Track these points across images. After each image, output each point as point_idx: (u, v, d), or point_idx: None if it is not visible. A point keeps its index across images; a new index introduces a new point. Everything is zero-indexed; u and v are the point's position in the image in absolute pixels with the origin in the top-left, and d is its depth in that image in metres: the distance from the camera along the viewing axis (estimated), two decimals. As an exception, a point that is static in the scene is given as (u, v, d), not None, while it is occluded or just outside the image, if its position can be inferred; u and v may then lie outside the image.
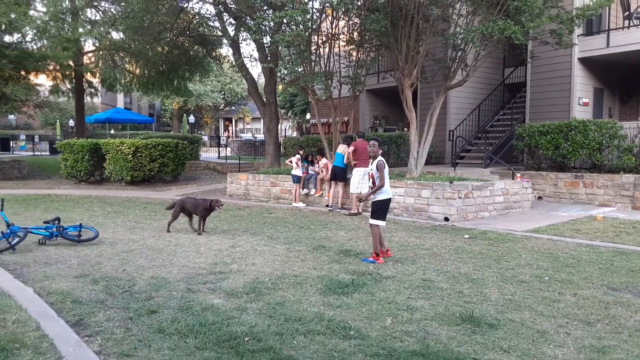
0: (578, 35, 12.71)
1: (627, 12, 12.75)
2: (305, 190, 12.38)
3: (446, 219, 9.59)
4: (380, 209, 6.38)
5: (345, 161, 11.30)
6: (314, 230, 8.87)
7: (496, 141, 14.99)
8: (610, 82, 14.26)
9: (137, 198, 14.05)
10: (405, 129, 15.85)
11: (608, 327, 4.09)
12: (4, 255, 6.62)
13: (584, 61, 13.19)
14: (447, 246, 7.34)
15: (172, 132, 39.92)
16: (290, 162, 12.39)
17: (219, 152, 28.01)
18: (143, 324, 4.12)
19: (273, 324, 4.10)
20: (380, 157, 6.41)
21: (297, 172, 12.19)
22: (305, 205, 12.08)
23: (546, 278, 5.56)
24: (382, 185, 6.30)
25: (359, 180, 10.63)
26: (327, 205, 11.52)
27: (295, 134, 40.13)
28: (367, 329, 4.02)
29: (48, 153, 30.63)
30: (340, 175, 11.40)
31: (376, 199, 6.38)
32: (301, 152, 12.61)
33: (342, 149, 11.41)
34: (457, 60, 11.91)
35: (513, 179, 11.49)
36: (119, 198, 13.97)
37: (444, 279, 5.55)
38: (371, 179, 6.46)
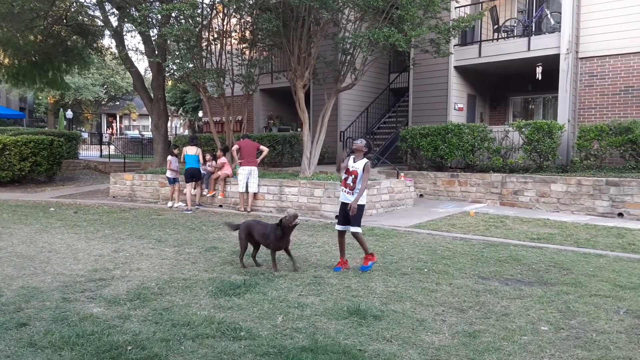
0: (454, 45, 13.80)
1: (497, 26, 14.11)
2: (194, 191, 12.06)
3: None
4: (361, 214, 5.98)
5: (201, 162, 11.77)
6: (206, 231, 8.66)
7: (383, 142, 15.78)
8: (482, 89, 15.69)
9: (4, 201, 12.67)
10: (299, 129, 16.08)
11: (478, 313, 4.49)
12: None
13: (459, 69, 14.36)
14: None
15: (47, 128, 36.52)
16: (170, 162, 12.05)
17: (101, 150, 26.20)
18: (11, 338, 3.73)
19: (159, 331, 3.93)
20: (366, 159, 5.95)
21: (170, 173, 11.93)
22: (183, 204, 11.77)
23: (425, 270, 5.97)
24: (364, 188, 5.92)
25: (244, 179, 11.05)
26: (187, 209, 11.40)
27: (186, 132, 38.81)
28: (258, 328, 4.01)
29: None
30: (198, 176, 11.75)
31: (359, 204, 5.90)
32: (175, 151, 12.33)
33: (193, 150, 11.70)
34: (346, 64, 12.33)
35: (398, 178, 12.17)
36: (-19, 201, 12.49)
37: (334, 274, 5.73)
38: (351, 176, 5.95)
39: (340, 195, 6.20)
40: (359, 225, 6.01)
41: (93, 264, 6.16)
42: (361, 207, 5.96)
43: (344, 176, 6.07)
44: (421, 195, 12.92)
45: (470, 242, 7.71)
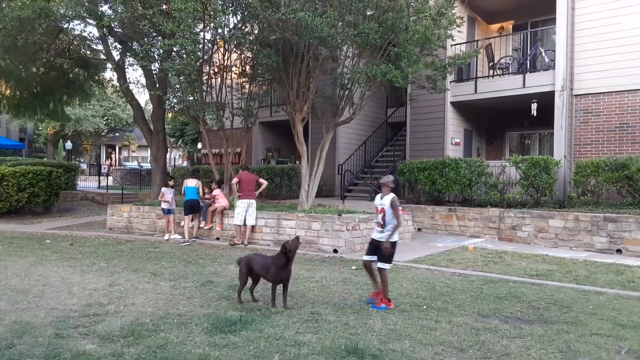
0: (450, 82, 14.04)
1: (492, 63, 14.40)
2: (192, 224, 11.99)
3: (335, 251, 9.84)
4: (392, 252, 5.91)
5: (200, 194, 11.83)
6: (203, 265, 8.58)
7: (380, 176, 15.83)
8: (479, 124, 15.87)
9: (0, 232, 12.58)
10: (297, 162, 16.17)
11: (478, 352, 4.42)
12: None
13: (455, 105, 14.56)
14: (335, 278, 7.50)
15: (45, 159, 36.61)
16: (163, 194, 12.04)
17: (99, 181, 26.18)
18: (-1, 378, 3.65)
19: (152, 369, 3.85)
20: (393, 194, 5.95)
21: (165, 204, 11.90)
22: (179, 236, 11.70)
23: (424, 307, 5.90)
24: (399, 224, 5.93)
25: (242, 212, 11.00)
26: (184, 241, 11.36)
27: (185, 164, 38.93)
28: (253, 368, 3.93)
29: None
30: (197, 207, 11.77)
31: (391, 240, 5.87)
32: (170, 182, 12.38)
33: (194, 182, 11.79)
34: (344, 99, 12.51)
35: (396, 212, 12.14)
36: (-23, 232, 12.40)
37: (332, 311, 5.65)
38: (380, 214, 5.95)
39: (373, 232, 6.18)
40: (388, 262, 5.92)
41: (87, 298, 6.07)
42: (393, 244, 5.89)
43: (375, 215, 6.08)
44: (419, 229, 12.89)
45: (469, 278, 7.64)
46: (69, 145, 39.35)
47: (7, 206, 15.00)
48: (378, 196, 6.10)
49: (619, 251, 10.03)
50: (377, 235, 6.01)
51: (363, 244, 10.34)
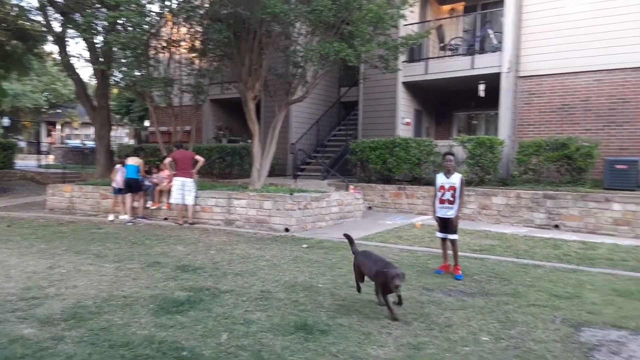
0: (402, 62, 14.17)
1: (443, 44, 14.62)
2: (136, 203, 11.65)
3: (287, 230, 9.84)
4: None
5: (141, 173, 11.50)
6: (149, 245, 8.37)
7: (333, 155, 15.91)
8: (428, 105, 16.17)
9: None
10: (249, 141, 15.96)
11: (423, 324, 4.56)
12: None
13: (407, 85, 14.74)
14: (286, 256, 7.51)
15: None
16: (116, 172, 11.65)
17: (39, 160, 24.96)
18: None
19: (95, 352, 3.74)
20: (459, 173, 6.50)
21: (115, 183, 11.55)
22: (130, 217, 11.36)
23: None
24: (463, 202, 6.57)
25: (178, 191, 10.80)
26: (127, 221, 11.11)
27: (132, 142, 37.64)
28: (201, 347, 3.89)
29: None
30: (136, 186, 11.45)
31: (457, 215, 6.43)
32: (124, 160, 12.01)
33: (134, 161, 11.46)
34: (297, 77, 12.38)
35: (347, 191, 12.28)
36: None
37: (282, 289, 5.66)
38: (450, 192, 6.41)
39: (438, 210, 6.56)
40: (457, 233, 6.53)
41: (26, 281, 5.81)
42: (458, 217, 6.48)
43: (439, 194, 6.48)
44: (370, 207, 13.08)
45: (416, 254, 7.85)
46: (6, 122, 37.09)
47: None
48: (441, 175, 6.52)
49: (556, 226, 10.57)
50: (446, 212, 6.47)
51: (314, 222, 10.41)
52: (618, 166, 10.74)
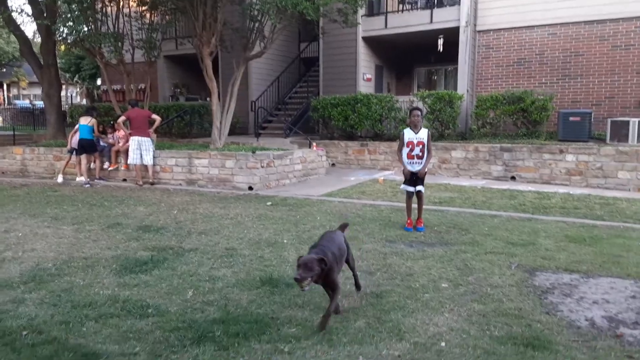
0: (362, 16, 13.95)
1: (401, -3, 14.43)
2: (92, 164, 11.29)
3: (250, 188, 9.79)
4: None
5: (95, 133, 11.10)
6: (109, 207, 8.17)
7: (295, 112, 15.76)
8: (389, 60, 16.10)
9: None
10: (208, 99, 15.57)
11: (386, 274, 4.69)
12: None
13: (367, 40, 14.58)
14: (250, 214, 7.50)
15: None
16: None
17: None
18: None
19: (58, 313, 3.67)
20: (426, 129, 6.53)
21: (70, 144, 11.13)
22: (86, 178, 10.98)
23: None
24: (431, 155, 6.63)
25: (135, 150, 10.53)
26: (84, 182, 10.80)
27: (84, 102, 36.07)
28: (167, 304, 3.89)
29: None
30: (90, 147, 11.03)
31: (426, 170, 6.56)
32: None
33: (86, 120, 11.00)
34: (255, 31, 12.03)
35: (310, 148, 12.26)
36: None
37: (247, 246, 5.68)
38: (418, 147, 6.43)
39: (407, 166, 6.56)
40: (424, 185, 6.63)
41: (-22, 247, 5.59)
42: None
43: (406, 150, 6.48)
44: (333, 164, 13.14)
45: (379, 208, 7.99)
46: (-56, 82, 34.80)
47: None
48: (409, 130, 6.49)
49: (513, 178, 10.94)
50: (416, 167, 6.52)
51: (278, 180, 10.39)
52: (572, 118, 11.10)
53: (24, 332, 3.34)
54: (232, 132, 13.37)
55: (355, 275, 4.28)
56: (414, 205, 6.70)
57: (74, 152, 11.11)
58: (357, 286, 4.25)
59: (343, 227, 4.47)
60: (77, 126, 11.17)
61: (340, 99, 13.10)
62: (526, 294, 4.20)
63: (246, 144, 12.26)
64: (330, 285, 3.65)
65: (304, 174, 11.23)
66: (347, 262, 4.12)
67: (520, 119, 11.79)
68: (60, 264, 4.94)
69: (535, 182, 10.66)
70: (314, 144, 12.69)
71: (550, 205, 8.09)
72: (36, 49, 16.00)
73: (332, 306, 3.58)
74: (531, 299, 4.07)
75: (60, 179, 11.12)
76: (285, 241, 5.89)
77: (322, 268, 3.44)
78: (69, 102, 33.57)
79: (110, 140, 11.42)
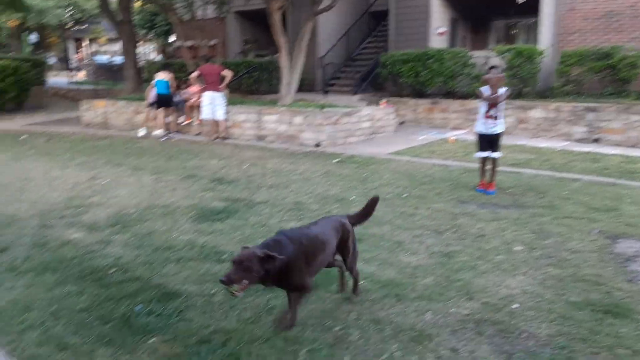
0: (438, -35, 13.20)
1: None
2: (169, 118, 11.73)
3: (317, 145, 9.84)
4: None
5: (172, 88, 11.36)
6: (184, 159, 8.53)
7: (363, 69, 15.44)
8: (464, 13, 15.24)
9: (-29, 129, 12.22)
10: (276, 55, 15.59)
11: (455, 235, 4.61)
12: None
13: (442, -8, 13.84)
14: (318, 171, 7.56)
15: (13, 54, 34.55)
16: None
17: (70, 77, 25.16)
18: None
19: (141, 255, 3.94)
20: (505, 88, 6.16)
21: (150, 96, 11.51)
22: (163, 132, 11.40)
23: (404, 195, 6.04)
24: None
25: (208, 106, 10.71)
26: (162, 136, 11.17)
27: (158, 58, 37.27)
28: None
29: None
30: (167, 102, 11.34)
31: (501, 131, 6.23)
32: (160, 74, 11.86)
33: (164, 75, 11.28)
34: (325, -16, 11.75)
35: (378, 106, 12.04)
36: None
37: (315, 200, 5.75)
38: (495, 107, 6.07)
39: (482, 127, 6.26)
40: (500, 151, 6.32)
41: (69, 191, 6.06)
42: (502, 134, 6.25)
43: (484, 109, 6.15)
44: (402, 122, 12.86)
45: (449, 169, 7.79)
46: (33, 38, 37.08)
47: (-24, 103, 14.42)
48: (486, 89, 6.11)
49: (596, 140, 10.23)
50: (491, 128, 6.17)
51: (345, 137, 10.34)
52: (667, 77, 10.10)
53: (112, 271, 3.62)
54: (299, 89, 13.35)
55: (354, 278, 3.31)
56: (489, 167, 6.45)
57: (155, 106, 11.54)
58: (355, 290, 3.34)
59: (371, 205, 3.51)
60: (153, 81, 11.58)
61: (410, 55, 12.66)
62: (607, 260, 3.98)
63: (314, 101, 12.24)
64: (290, 288, 2.85)
65: (372, 132, 11.09)
66: (344, 258, 3.19)
67: (607, 77, 10.88)
68: (141, 210, 5.25)
69: (621, 145, 9.90)
70: (383, 101, 12.44)
71: (637, 170, 7.52)
72: (113, 7, 16.57)
73: (294, 305, 2.85)
74: (612, 267, 3.86)
75: (143, 132, 11.63)
76: (352, 198, 5.91)
77: (268, 270, 2.58)
78: (144, 58, 34.79)
79: (185, 95, 11.78)
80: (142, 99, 12.35)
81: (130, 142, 10.55)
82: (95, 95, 17.59)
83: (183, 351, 2.67)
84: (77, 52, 49.46)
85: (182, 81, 12.52)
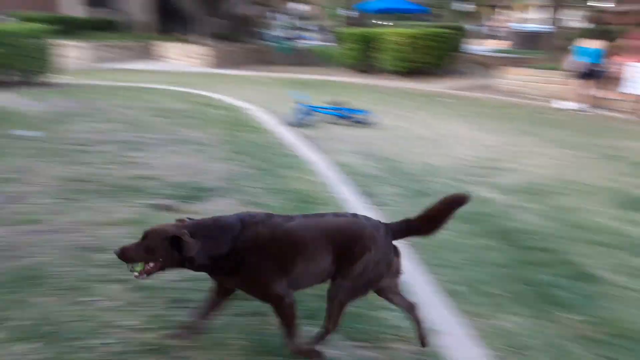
0: None
1: None
2: (591, 91, 10.63)
3: None
4: None
5: (605, 59, 10.12)
6: (601, 137, 7.70)
7: None
8: None
9: (404, 88, 14.37)
10: None
11: None
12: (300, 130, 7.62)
13: None
14: None
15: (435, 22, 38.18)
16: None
17: (487, 43, 26.16)
18: (421, 204, 4.31)
19: (554, 227, 3.83)
20: None
21: (579, 65, 10.51)
22: (578, 104, 10.46)
23: None
24: None
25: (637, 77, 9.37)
26: (578, 109, 10.16)
27: (583, 25, 34.21)
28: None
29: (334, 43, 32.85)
30: (595, 73, 10.18)
31: None
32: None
33: (594, 43, 10.06)
34: None
35: None
36: (386, 87, 14.54)
37: None
38: None
39: None
40: None
41: (481, 152, 6.39)
42: None
43: None
44: None
45: None
46: (460, 6, 39.43)
47: (409, 66, 16.75)
48: None
49: None
50: None
51: None
52: None
53: (524, 235, 3.66)
54: None
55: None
56: None
57: (581, 76, 10.68)
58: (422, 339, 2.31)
59: (458, 201, 2.20)
60: (574, 49, 10.70)
61: None
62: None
63: None
64: (257, 297, 2.06)
65: None
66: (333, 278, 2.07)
67: None
68: (554, 183, 5.07)
69: None
70: None
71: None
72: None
73: (282, 328, 2.04)
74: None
75: (562, 103, 11.03)
76: None
77: (173, 256, 1.88)
78: (568, 25, 32.68)
79: (611, 67, 10.47)
80: (557, 68, 11.66)
81: (543, 112, 10.25)
82: (511, 62, 17.77)
83: (606, 339, 2.49)
84: (490, 19, 50.45)
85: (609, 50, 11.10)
